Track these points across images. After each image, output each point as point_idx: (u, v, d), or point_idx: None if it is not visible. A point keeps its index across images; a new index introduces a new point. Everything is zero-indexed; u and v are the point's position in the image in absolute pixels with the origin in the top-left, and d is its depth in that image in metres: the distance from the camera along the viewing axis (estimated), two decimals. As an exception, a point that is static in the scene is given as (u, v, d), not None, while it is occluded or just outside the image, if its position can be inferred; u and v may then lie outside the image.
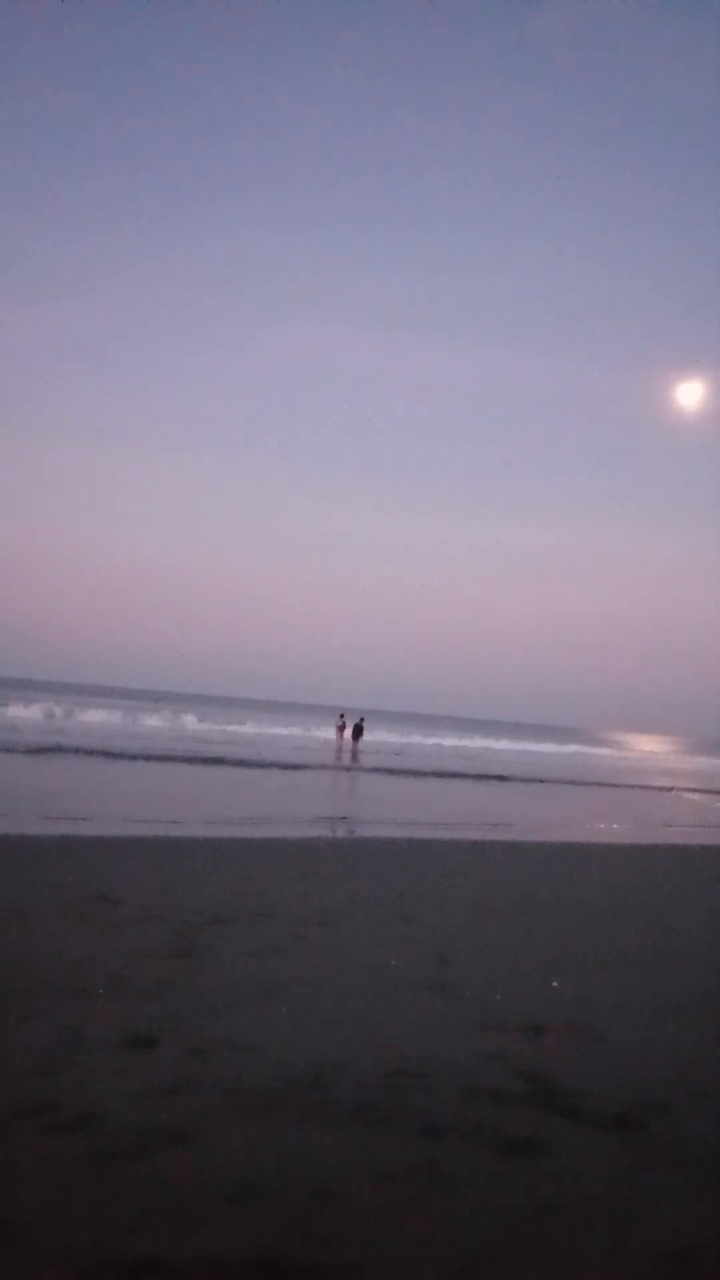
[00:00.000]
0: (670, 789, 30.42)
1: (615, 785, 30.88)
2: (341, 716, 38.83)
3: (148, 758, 24.84)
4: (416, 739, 49.02)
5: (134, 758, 24.43)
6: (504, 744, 51.91)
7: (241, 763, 25.67)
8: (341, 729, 37.74)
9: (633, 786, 30.85)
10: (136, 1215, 2.93)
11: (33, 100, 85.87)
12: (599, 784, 30.74)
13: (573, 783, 30.14)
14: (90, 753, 24.82)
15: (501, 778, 28.91)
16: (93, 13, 75.57)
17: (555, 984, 5.78)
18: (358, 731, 37.03)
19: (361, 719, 37.60)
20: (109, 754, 24.91)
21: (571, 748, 56.68)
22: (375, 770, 28.65)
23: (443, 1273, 2.76)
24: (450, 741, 49.21)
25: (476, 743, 50.62)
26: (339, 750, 35.55)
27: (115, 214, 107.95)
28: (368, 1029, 4.74)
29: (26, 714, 37.44)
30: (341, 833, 14.10)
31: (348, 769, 28.97)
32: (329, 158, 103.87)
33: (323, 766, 27.91)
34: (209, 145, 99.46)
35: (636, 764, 50.41)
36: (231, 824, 13.32)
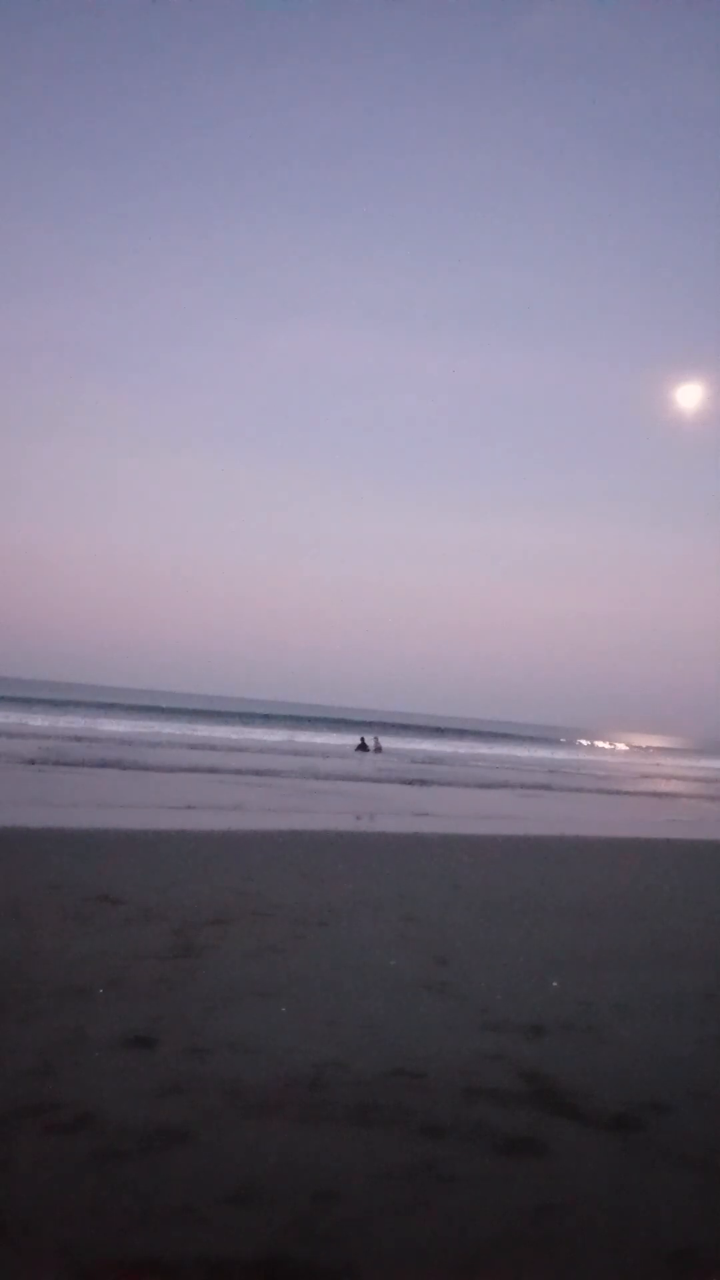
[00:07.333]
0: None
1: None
2: (362, 739, 43.80)
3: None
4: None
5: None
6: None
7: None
8: (361, 747, 42.45)
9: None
10: (136, 1215, 2.93)
11: (32, 98, 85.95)
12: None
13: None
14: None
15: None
16: (92, 9, 75.62)
17: (555, 984, 5.78)
18: (362, 746, 42.07)
19: (363, 738, 42.95)
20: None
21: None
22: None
23: (443, 1273, 2.76)
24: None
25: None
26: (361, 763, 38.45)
27: (115, 213, 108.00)
28: (368, 1029, 4.74)
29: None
30: (342, 831, 14.08)
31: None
32: (329, 158, 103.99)
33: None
34: (209, 144, 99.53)
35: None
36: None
